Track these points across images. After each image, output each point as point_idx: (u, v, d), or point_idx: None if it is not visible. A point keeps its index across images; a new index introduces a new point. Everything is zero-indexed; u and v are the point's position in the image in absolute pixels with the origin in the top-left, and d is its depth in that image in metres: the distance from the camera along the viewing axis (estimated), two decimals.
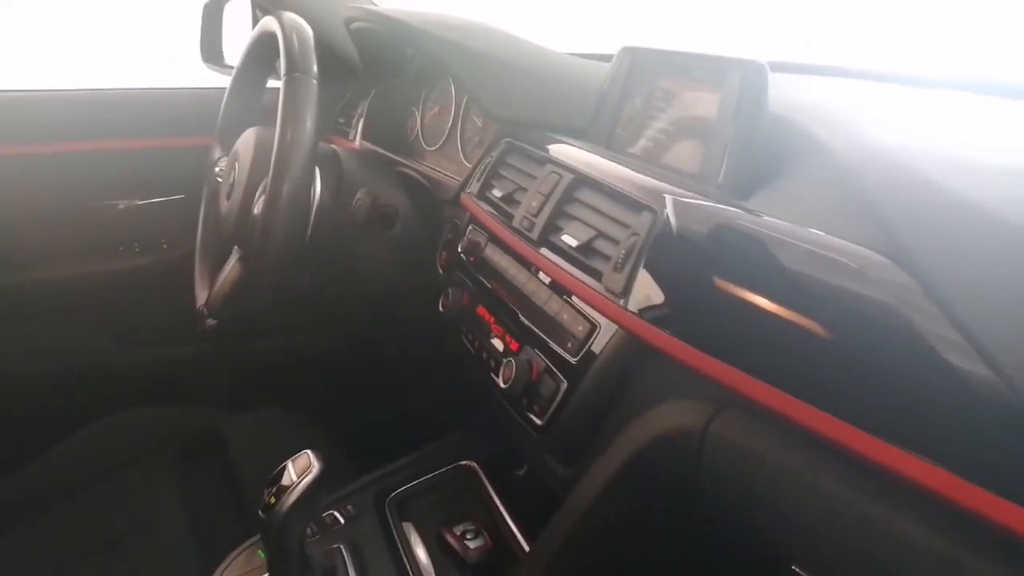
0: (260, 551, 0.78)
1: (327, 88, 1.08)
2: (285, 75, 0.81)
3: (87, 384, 1.26)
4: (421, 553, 0.78)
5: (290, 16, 0.88)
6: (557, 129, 0.85)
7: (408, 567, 0.76)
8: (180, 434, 1.17)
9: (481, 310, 0.80)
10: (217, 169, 1.03)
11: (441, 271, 0.95)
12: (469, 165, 1.00)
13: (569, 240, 0.68)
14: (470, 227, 0.88)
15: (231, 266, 0.98)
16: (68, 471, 1.12)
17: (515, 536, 0.80)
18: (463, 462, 0.91)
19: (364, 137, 1.23)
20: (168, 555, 0.96)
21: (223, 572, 0.76)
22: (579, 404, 0.62)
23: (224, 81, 1.36)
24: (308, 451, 0.69)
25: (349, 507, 0.84)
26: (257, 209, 0.87)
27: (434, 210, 0.99)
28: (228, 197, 0.93)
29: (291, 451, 1.16)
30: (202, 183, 1.20)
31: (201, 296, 1.01)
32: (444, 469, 0.90)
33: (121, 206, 1.28)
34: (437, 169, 1.04)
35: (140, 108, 1.32)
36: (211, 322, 0.95)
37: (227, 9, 1.48)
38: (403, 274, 0.99)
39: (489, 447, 0.93)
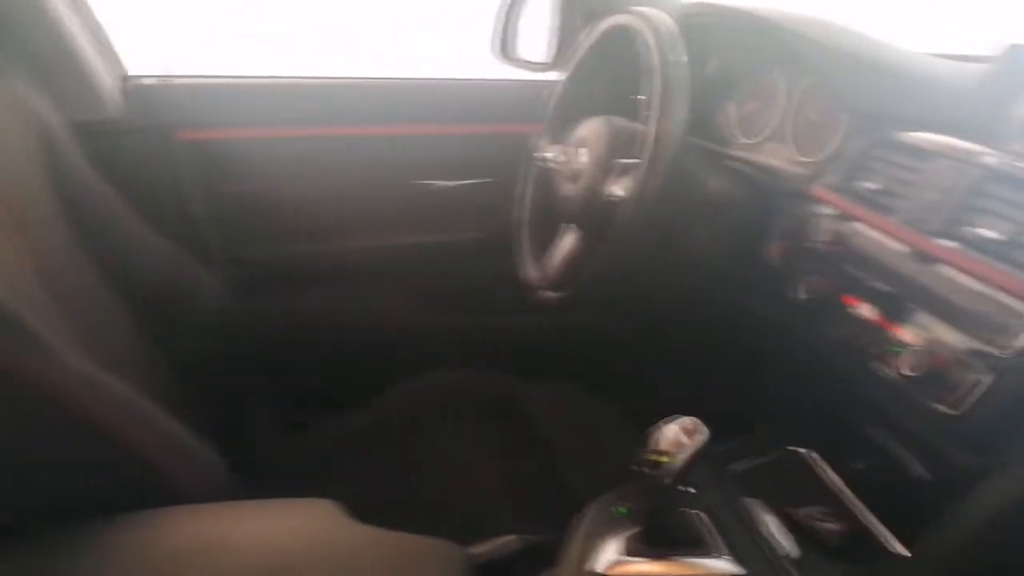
0: (620, 508, 0.83)
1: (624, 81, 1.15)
2: (657, 66, 0.87)
3: (393, 345, 1.41)
4: (775, 530, 0.81)
5: (652, 11, 0.94)
6: (926, 125, 0.85)
7: (766, 541, 0.79)
8: (481, 396, 1.27)
9: (850, 299, 0.82)
10: (550, 155, 1.11)
11: (776, 261, 0.97)
12: (805, 159, 1.01)
13: (987, 233, 0.69)
14: (830, 218, 0.90)
15: (569, 244, 1.06)
16: (376, 423, 1.24)
17: (873, 524, 0.81)
18: (797, 448, 0.94)
19: None
20: (477, 503, 1.04)
21: (584, 526, 0.82)
22: (1008, 395, 0.63)
23: (516, 74, 1.48)
24: (692, 418, 0.73)
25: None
26: (610, 192, 0.94)
27: (763, 200, 1.02)
28: (574, 181, 1.01)
29: (592, 421, 1.23)
30: (510, 167, 1.30)
31: (531, 270, 1.11)
32: (776, 453, 0.93)
33: (436, 186, 1.41)
34: (767, 161, 1.07)
35: (450, 96, 1.44)
36: (551, 294, 1.03)
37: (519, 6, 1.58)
38: (727, 262, 1.03)
39: (823, 435, 0.94)
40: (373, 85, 1.39)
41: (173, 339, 1.09)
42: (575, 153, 1.02)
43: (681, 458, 0.71)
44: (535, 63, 1.46)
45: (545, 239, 1.12)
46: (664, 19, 0.92)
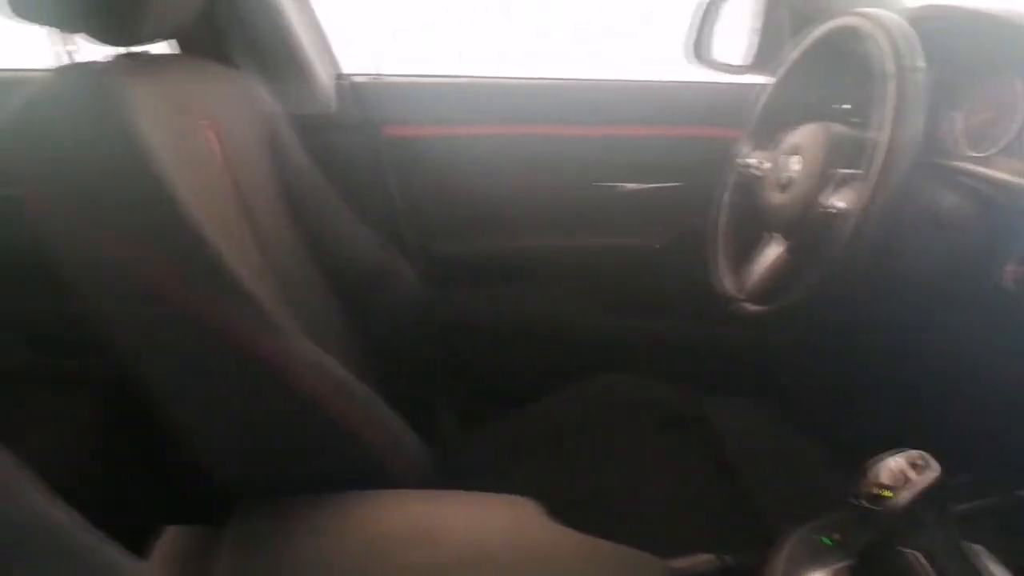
0: (827, 538, 0.79)
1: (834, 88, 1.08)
2: (892, 72, 0.82)
3: (572, 345, 1.41)
4: None
5: (884, 13, 0.89)
6: None
7: None
8: (660, 405, 1.25)
9: None
10: (754, 161, 1.07)
11: (1011, 286, 0.89)
12: None
13: None
14: None
15: (773, 255, 1.02)
16: (554, 423, 1.25)
17: None
18: None
19: None
20: (665, 516, 1.02)
21: (786, 553, 0.79)
22: None
23: (709, 76, 1.44)
24: (920, 452, 0.68)
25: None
26: (827, 204, 0.89)
27: (995, 218, 0.93)
28: (783, 190, 0.96)
29: (780, 441, 1.18)
30: (698, 171, 1.27)
31: (727, 280, 1.07)
32: (1004, 496, 0.85)
33: (624, 188, 1.41)
34: (1001, 176, 0.98)
35: (641, 98, 1.43)
36: (750, 307, 1.00)
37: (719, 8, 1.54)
38: (952, 284, 0.95)
39: None
40: (567, 85, 1.40)
41: (371, 326, 1.15)
42: (785, 160, 0.98)
43: (906, 495, 0.66)
44: (732, 65, 1.42)
45: (744, 248, 1.08)
46: (898, 22, 0.86)
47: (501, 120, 1.39)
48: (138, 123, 0.76)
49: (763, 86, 1.14)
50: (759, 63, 1.35)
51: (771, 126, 1.08)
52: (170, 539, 0.73)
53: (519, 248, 1.45)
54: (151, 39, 0.90)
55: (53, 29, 0.86)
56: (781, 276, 0.98)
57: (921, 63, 0.82)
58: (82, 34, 0.86)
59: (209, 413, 0.79)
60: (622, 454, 1.12)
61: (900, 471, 0.68)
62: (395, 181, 1.38)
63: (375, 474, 0.78)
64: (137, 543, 0.33)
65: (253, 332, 0.72)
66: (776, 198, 0.98)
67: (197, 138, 0.93)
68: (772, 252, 1.01)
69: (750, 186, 1.08)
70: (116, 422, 1.29)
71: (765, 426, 1.19)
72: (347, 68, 1.38)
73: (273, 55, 1.26)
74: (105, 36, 0.85)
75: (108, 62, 0.87)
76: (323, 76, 1.32)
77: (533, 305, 1.46)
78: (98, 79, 0.80)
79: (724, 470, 1.10)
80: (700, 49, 1.54)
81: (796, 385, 1.33)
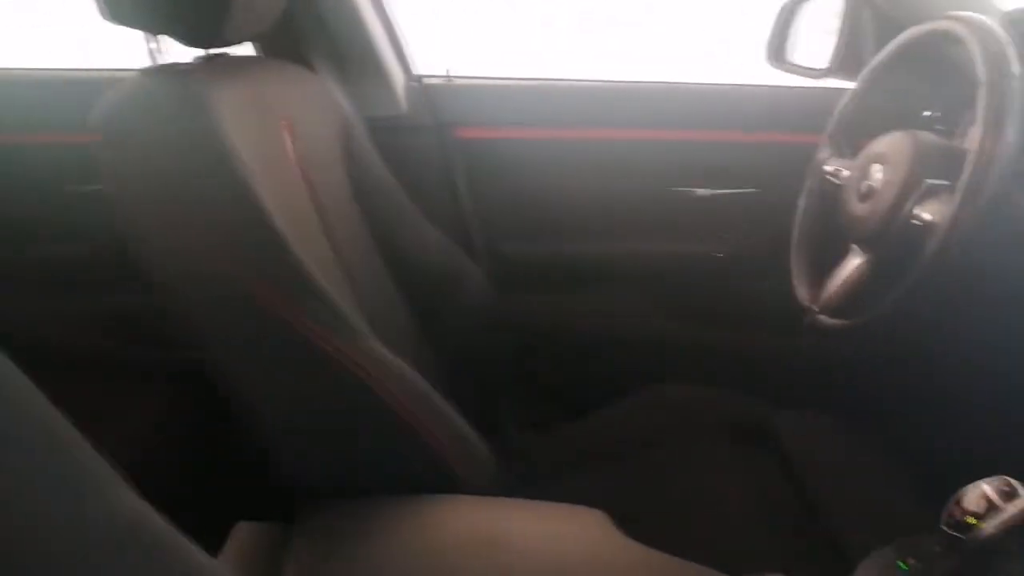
0: (901, 563, 0.76)
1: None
2: (989, 79, 0.78)
3: (640, 353, 1.39)
4: None
5: (979, 17, 0.85)
6: None
7: None
8: (729, 417, 1.22)
9: None
10: (835, 168, 1.04)
11: None
12: None
13: None
14: None
15: (854, 267, 0.98)
16: (619, 432, 1.23)
17: None
18: None
19: None
20: (733, 531, 1.00)
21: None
22: None
23: (786, 79, 1.40)
24: (1008, 479, 0.65)
25: None
26: (914, 215, 0.86)
27: None
28: (864, 200, 0.93)
29: (854, 459, 1.14)
30: (774, 178, 1.23)
31: (805, 291, 1.04)
32: None
33: (697, 194, 1.38)
34: None
35: (716, 101, 1.40)
36: (828, 320, 0.97)
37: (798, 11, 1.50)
38: None
39: None
40: (641, 89, 1.39)
41: (439, 329, 1.15)
42: (867, 169, 0.95)
43: (993, 524, 0.63)
44: (811, 69, 1.37)
45: (823, 259, 1.05)
46: (994, 27, 0.82)
47: (574, 123, 1.38)
48: (221, 125, 0.79)
49: (844, 91, 1.10)
50: (840, 67, 1.30)
51: (852, 132, 1.05)
52: (243, 535, 0.75)
53: (588, 253, 1.43)
54: (233, 42, 0.93)
55: (142, 31, 0.89)
56: (861, 289, 0.94)
57: (1017, 69, 0.78)
58: (168, 36, 0.89)
59: (283, 411, 0.80)
60: (689, 466, 1.10)
61: (987, 498, 0.65)
62: (465, 183, 1.38)
63: (445, 479, 0.79)
64: (199, 536, 0.34)
65: (329, 334, 0.73)
66: (857, 208, 0.94)
67: (274, 138, 0.95)
68: (851, 264, 0.98)
69: (830, 194, 1.04)
70: (191, 415, 1.34)
71: (838, 442, 1.15)
72: (420, 69, 1.39)
73: (350, 57, 1.28)
74: (190, 39, 0.88)
75: (192, 64, 0.90)
76: (397, 78, 1.33)
77: (601, 310, 1.44)
78: (183, 82, 0.83)
79: (795, 486, 1.08)
80: (778, 52, 1.51)
81: (872, 401, 1.28)
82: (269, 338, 0.76)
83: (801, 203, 1.11)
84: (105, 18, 0.85)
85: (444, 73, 1.38)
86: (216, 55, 0.93)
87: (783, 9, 1.47)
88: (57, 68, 1.45)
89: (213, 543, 0.70)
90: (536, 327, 1.42)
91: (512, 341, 1.32)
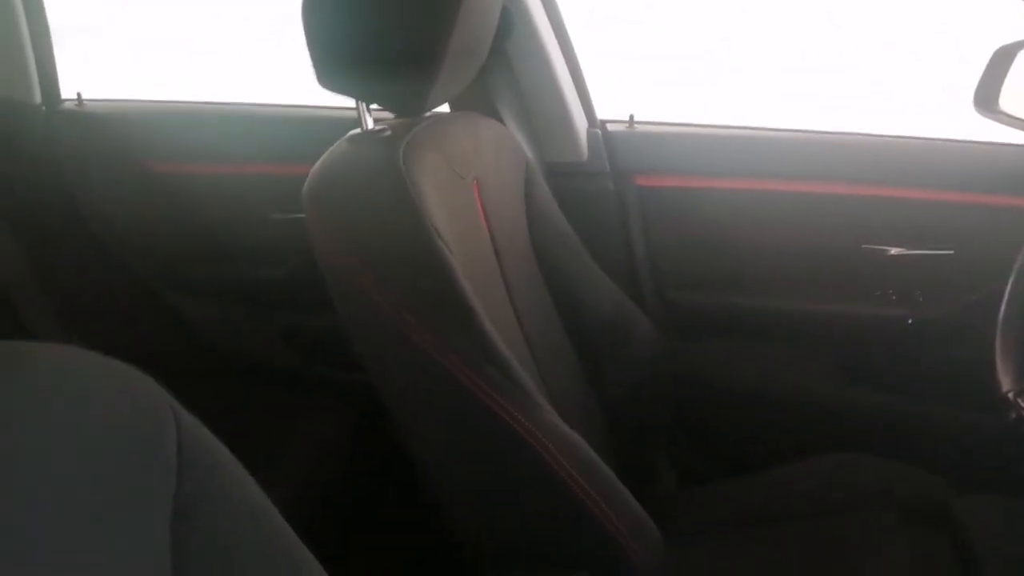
0: None
1: None
2: None
3: (811, 416, 1.34)
4: None
5: None
6: None
7: None
8: (901, 492, 1.15)
9: None
10: None
11: None
12: None
13: None
14: None
15: None
16: (782, 496, 1.19)
17: None
18: None
19: None
20: None
21: None
22: None
23: (990, 134, 1.28)
24: None
25: None
26: None
27: None
28: None
29: None
30: (972, 240, 1.15)
31: (1008, 377, 0.97)
32: None
33: (887, 253, 1.30)
34: None
35: (912, 156, 1.32)
36: None
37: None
38: None
39: None
40: (835, 141, 1.32)
41: (607, 377, 1.17)
42: None
43: None
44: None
45: None
46: None
47: (756, 174, 1.34)
48: (419, 189, 0.86)
49: None
50: None
51: None
52: None
53: (765, 307, 1.39)
54: (436, 107, 1.00)
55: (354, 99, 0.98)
56: None
57: None
58: (378, 104, 0.98)
59: (452, 468, 0.86)
60: (856, 543, 1.06)
61: None
62: (639, 230, 1.39)
63: (612, 556, 0.80)
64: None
65: (505, 400, 0.78)
66: None
67: (465, 195, 1.02)
68: None
69: None
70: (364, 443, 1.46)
71: (1021, 531, 1.06)
72: (601, 116, 1.41)
73: (538, 107, 1.32)
74: (398, 108, 0.96)
75: (393, 129, 0.97)
76: (581, 125, 1.36)
77: (773, 368, 1.40)
78: (385, 148, 0.91)
79: (971, 574, 1.00)
80: (989, 99, 1.40)
81: None
82: (443, 395, 0.81)
83: (1014, 273, 1.02)
84: (321, 85, 0.94)
85: (627, 119, 1.39)
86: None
87: (998, 53, 1.36)
88: (264, 104, 1.60)
89: None
90: (705, 379, 1.40)
91: (678, 391, 1.32)
